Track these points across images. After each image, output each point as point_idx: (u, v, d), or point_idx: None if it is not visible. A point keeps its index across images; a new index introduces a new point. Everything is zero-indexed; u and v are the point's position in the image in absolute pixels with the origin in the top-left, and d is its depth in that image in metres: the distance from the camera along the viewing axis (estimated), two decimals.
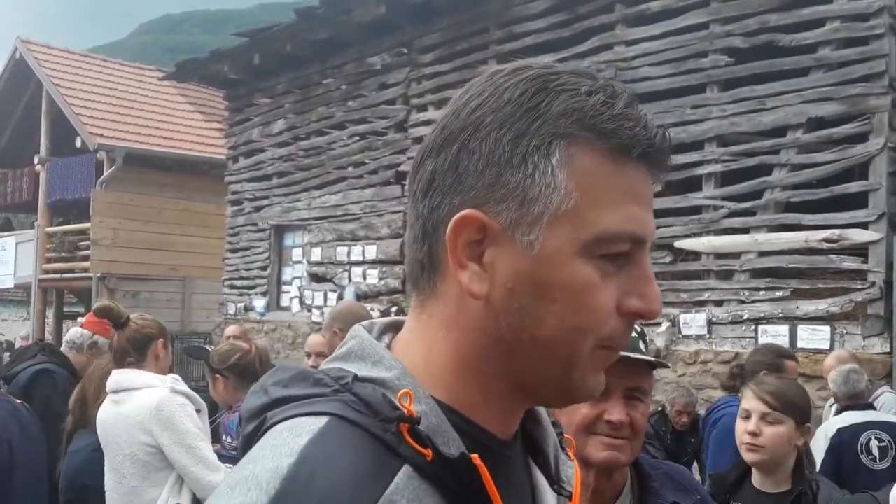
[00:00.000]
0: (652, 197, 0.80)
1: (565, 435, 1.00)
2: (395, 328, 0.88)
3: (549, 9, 7.96)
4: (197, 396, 3.62)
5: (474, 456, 0.74)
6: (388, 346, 0.84)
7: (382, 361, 0.80)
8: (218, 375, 4.11)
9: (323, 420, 0.74)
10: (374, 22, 9.30)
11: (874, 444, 4.53)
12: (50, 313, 18.33)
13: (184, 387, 3.57)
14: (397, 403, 0.74)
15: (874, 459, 4.50)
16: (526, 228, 0.75)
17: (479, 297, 0.76)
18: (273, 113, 11.47)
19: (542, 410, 0.93)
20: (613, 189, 0.76)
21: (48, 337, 17.78)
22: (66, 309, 18.76)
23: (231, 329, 7.46)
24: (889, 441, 4.50)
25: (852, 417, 4.66)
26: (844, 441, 4.57)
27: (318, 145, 10.67)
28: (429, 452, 0.73)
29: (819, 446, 4.72)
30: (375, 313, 9.45)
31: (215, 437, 4.03)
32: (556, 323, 0.76)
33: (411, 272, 0.84)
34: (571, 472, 0.94)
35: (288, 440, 0.72)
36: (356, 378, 0.77)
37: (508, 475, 0.83)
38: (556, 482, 0.91)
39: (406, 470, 0.73)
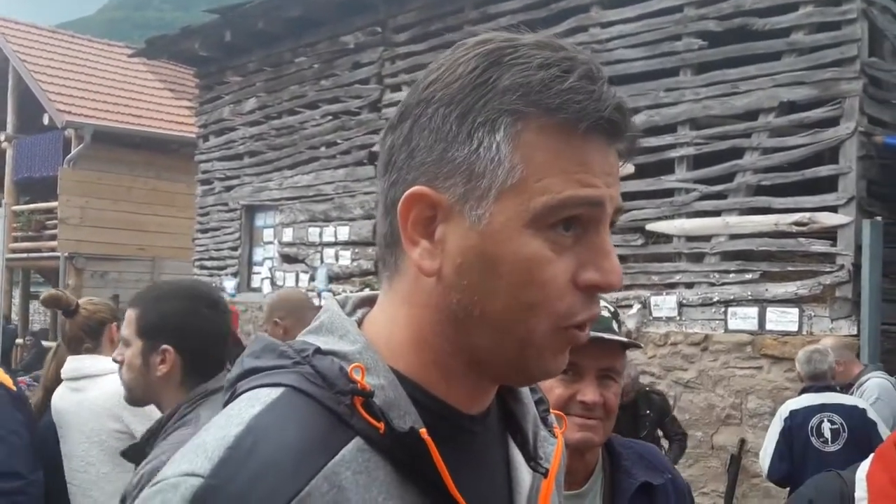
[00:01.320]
0: (613, 167, 0.78)
1: (554, 411, 0.99)
2: (370, 303, 0.88)
3: None
4: None
5: (422, 431, 0.74)
6: (360, 321, 0.84)
7: (347, 335, 0.80)
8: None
9: (278, 391, 0.75)
10: (348, 0, 9.21)
11: (826, 426, 4.59)
12: (17, 293, 18.09)
13: None
14: (351, 377, 0.75)
15: (825, 442, 4.57)
16: (474, 203, 0.75)
17: (429, 273, 0.76)
18: (244, 91, 11.34)
19: (523, 388, 0.93)
20: (563, 161, 0.75)
21: (14, 318, 17.56)
22: (32, 289, 18.51)
23: None
24: (841, 423, 4.56)
25: (807, 400, 4.73)
26: (796, 423, 4.65)
27: (290, 125, 10.58)
28: (381, 425, 0.74)
29: (774, 428, 4.79)
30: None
31: None
32: (505, 299, 0.75)
33: (379, 248, 0.84)
34: (551, 449, 0.93)
35: (242, 410, 0.74)
36: (318, 351, 0.78)
37: (472, 450, 0.83)
38: (532, 458, 0.90)
39: (357, 442, 0.74)
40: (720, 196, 6.65)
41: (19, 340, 14.31)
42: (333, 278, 9.66)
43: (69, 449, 3.20)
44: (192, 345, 2.12)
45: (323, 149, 10.11)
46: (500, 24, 8.13)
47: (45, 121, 14.97)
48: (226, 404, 0.79)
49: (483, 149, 0.74)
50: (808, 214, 6.11)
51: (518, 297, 0.74)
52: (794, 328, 6.06)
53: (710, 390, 6.39)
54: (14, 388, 3.58)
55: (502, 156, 0.74)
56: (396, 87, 9.24)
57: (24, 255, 15.67)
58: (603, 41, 7.38)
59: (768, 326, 6.18)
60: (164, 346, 2.09)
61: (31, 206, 16.17)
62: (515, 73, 0.75)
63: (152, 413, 3.24)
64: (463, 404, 0.81)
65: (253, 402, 0.74)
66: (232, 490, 0.68)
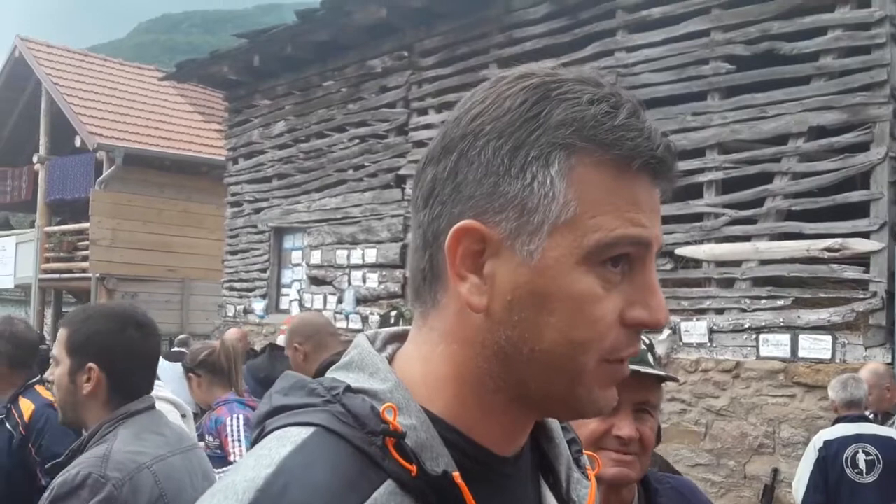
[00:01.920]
0: (657, 205, 0.79)
1: (587, 452, 0.98)
2: (401, 338, 0.87)
3: (550, 14, 7.94)
4: (181, 402, 3.63)
5: (455, 475, 0.73)
6: (391, 358, 0.84)
7: (378, 373, 0.79)
8: (191, 375, 4.18)
9: (308, 431, 0.74)
10: (375, 25, 9.28)
11: (861, 457, 4.52)
12: (49, 313, 18.31)
13: (167, 393, 3.58)
14: (383, 418, 0.74)
15: (860, 473, 4.49)
16: (526, 238, 0.74)
17: (478, 309, 0.76)
18: (273, 114, 11.44)
19: (556, 426, 0.92)
20: (614, 198, 0.75)
21: (46, 337, 17.76)
22: (64, 309, 18.73)
23: (231, 332, 7.49)
24: (876, 455, 4.48)
25: (841, 430, 4.65)
26: (830, 453, 4.57)
27: (318, 147, 10.65)
28: (413, 468, 0.72)
29: (808, 458, 4.72)
30: (374, 317, 9.45)
31: (200, 439, 4.06)
32: (555, 336, 0.74)
33: (413, 282, 0.83)
34: (585, 492, 0.91)
35: (272, 451, 0.73)
36: (348, 389, 0.77)
37: (505, 493, 0.81)
38: (565, 502, 0.89)
39: (388, 485, 0.72)
40: (750, 221, 6.59)
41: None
42: (361, 301, 9.69)
43: None
44: (118, 364, 2.16)
45: (350, 172, 10.16)
46: (525, 49, 8.16)
47: (77, 143, 15.18)
48: (254, 442, 0.79)
49: (537, 183, 0.74)
50: (839, 240, 6.03)
51: (569, 333, 0.74)
52: (828, 356, 5.98)
53: (742, 418, 6.32)
54: None
55: (556, 191, 0.74)
56: (423, 111, 9.27)
57: (56, 275, 15.88)
58: (629, 65, 7.36)
59: (801, 354, 6.11)
60: (90, 365, 2.13)
61: (63, 227, 16.39)
62: (566, 107, 0.75)
63: None
64: (497, 445, 0.80)
65: (283, 442, 0.74)
66: None
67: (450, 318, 0.78)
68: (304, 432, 0.74)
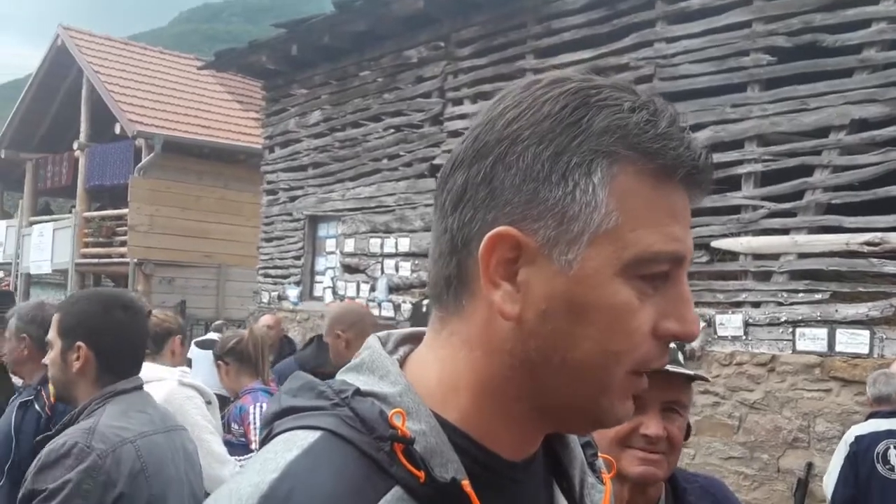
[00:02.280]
0: (689, 212, 0.79)
1: (602, 455, 0.97)
2: (414, 339, 0.86)
3: (588, 4, 7.89)
4: (207, 389, 3.68)
5: (465, 482, 0.72)
6: (403, 360, 0.83)
7: (388, 376, 0.78)
8: (220, 362, 4.23)
9: (315, 435, 0.73)
10: (412, 15, 9.29)
11: (892, 453, 4.47)
12: None
13: (193, 380, 3.64)
14: (392, 423, 0.73)
15: (891, 469, 4.44)
16: (564, 247, 0.73)
17: (511, 317, 0.74)
18: (310, 104, 11.51)
19: None
20: (655, 209, 0.74)
21: None
22: None
23: (265, 319, 7.57)
24: None
25: (873, 425, 4.61)
26: (861, 448, 4.53)
27: (354, 137, 10.70)
28: (422, 474, 0.71)
29: (839, 453, 4.68)
30: (407, 305, 9.49)
31: (226, 426, 4.10)
32: (590, 346, 0.73)
33: (434, 287, 0.81)
34: (599, 496, 0.90)
35: (278, 454, 0.72)
36: (357, 392, 0.76)
37: (515, 499, 0.80)
38: None
39: (396, 491, 0.71)
40: (789, 214, 6.52)
41: None
42: (394, 289, 9.73)
43: None
44: (105, 344, 2.29)
45: (385, 161, 10.20)
46: (563, 39, 8.13)
47: (117, 130, 15.38)
48: (262, 444, 0.78)
49: (579, 191, 0.73)
50: (879, 234, 5.95)
51: (605, 344, 0.73)
52: (865, 350, 5.91)
53: (776, 412, 6.27)
54: None
55: (598, 200, 0.73)
56: (458, 101, 9.28)
57: (95, 260, 16.12)
58: (668, 56, 7.31)
59: (838, 348, 6.04)
60: (79, 344, 2.27)
61: (102, 213, 16.63)
62: (607, 114, 0.74)
63: (188, 419, 3.32)
64: (509, 451, 0.79)
65: (289, 446, 0.73)
66: None
67: (476, 325, 0.77)
68: (311, 436, 0.73)
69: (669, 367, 1.61)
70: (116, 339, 2.31)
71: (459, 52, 9.29)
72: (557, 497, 0.88)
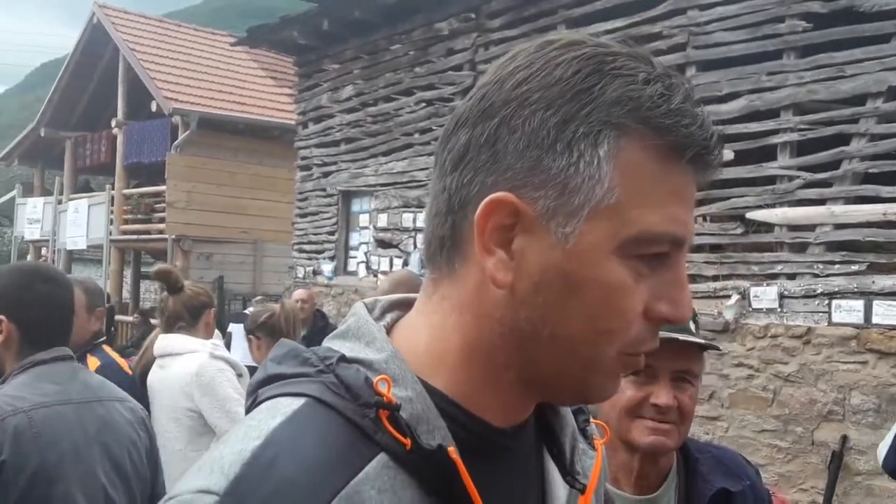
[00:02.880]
0: (694, 193, 0.76)
1: (595, 420, 0.95)
2: (403, 306, 0.85)
3: None
4: (238, 362, 3.72)
5: (451, 449, 0.71)
6: (390, 327, 0.81)
7: (374, 343, 0.77)
8: (251, 337, 4.28)
9: (299, 402, 0.72)
10: None
11: None
12: (128, 273, 18.91)
13: (224, 352, 3.68)
14: (377, 390, 0.72)
15: None
16: (563, 219, 0.71)
17: (502, 285, 0.73)
18: (342, 79, 11.51)
19: None
20: (659, 188, 0.72)
21: (126, 296, 18.38)
22: (143, 269, 19.32)
23: (298, 293, 7.64)
24: None
25: None
26: None
27: (386, 111, 10.69)
28: (408, 441, 0.70)
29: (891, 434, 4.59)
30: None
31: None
32: (581, 323, 0.72)
33: (428, 247, 0.79)
34: (590, 462, 0.89)
35: (261, 422, 0.71)
36: (342, 358, 0.75)
37: (505, 466, 0.79)
38: (568, 473, 0.86)
39: (381, 458, 0.70)
40: (825, 184, 6.40)
41: (120, 317, 14.83)
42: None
43: (155, 424, 3.39)
44: (26, 316, 2.30)
45: (417, 135, 10.18)
46: (595, 8, 8.02)
47: (153, 108, 15.51)
48: (248, 411, 0.77)
49: (583, 163, 0.71)
50: None
51: (595, 322, 0.72)
52: None
53: (811, 385, 6.19)
54: (131, 373, 3.81)
55: (602, 173, 0.71)
56: None
57: (135, 236, 16.35)
58: (701, 24, 7.17)
59: (874, 320, 5.94)
60: (0, 317, 2.28)
61: (140, 189, 16.84)
62: (620, 84, 0.71)
63: (219, 392, 3.35)
64: (498, 418, 0.78)
65: (273, 413, 0.72)
66: None
67: (467, 290, 0.76)
68: (294, 403, 0.72)
69: (680, 336, 1.59)
70: (38, 312, 2.31)
71: (490, 23, 9.21)
72: (547, 463, 0.87)
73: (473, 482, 0.72)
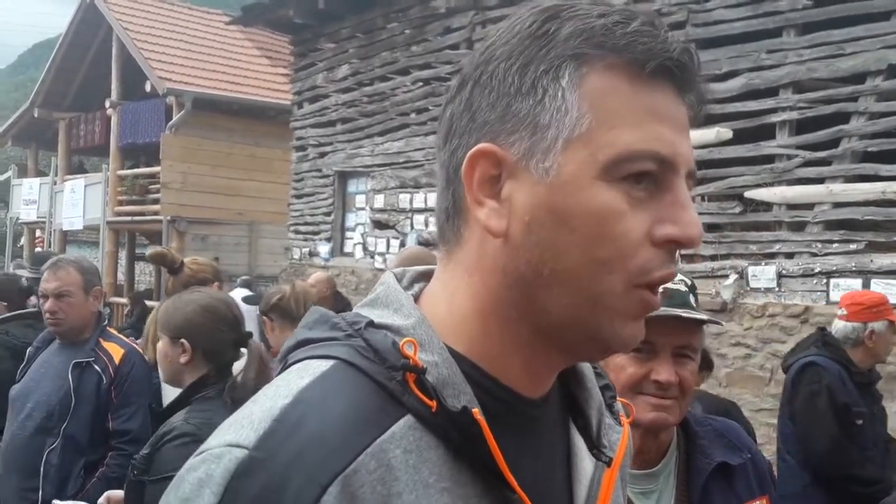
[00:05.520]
0: (684, 120, 0.75)
1: (621, 399, 0.95)
2: (428, 277, 0.85)
3: None
4: None
5: (475, 410, 0.71)
6: (417, 296, 0.83)
7: (402, 309, 0.78)
8: (265, 318, 4.27)
9: (328, 363, 0.74)
10: None
11: None
12: (123, 254, 18.87)
13: None
14: (403, 353, 0.73)
15: None
16: (541, 156, 0.72)
17: (497, 233, 0.74)
18: (337, 58, 11.44)
19: (588, 371, 0.89)
20: (632, 108, 0.72)
21: (121, 277, 18.35)
22: (138, 251, 19.27)
23: (316, 275, 7.58)
24: None
25: None
26: None
27: (382, 91, 10.63)
28: (433, 403, 0.71)
29: None
30: (437, 259, 9.46)
31: None
32: (577, 255, 0.72)
33: (438, 222, 0.82)
34: (616, 437, 0.90)
35: (290, 382, 0.73)
36: (370, 324, 0.77)
37: (530, 435, 0.80)
38: (595, 446, 0.86)
39: (407, 420, 0.71)
40: (824, 162, 6.38)
41: (115, 299, 14.79)
42: (423, 244, 9.73)
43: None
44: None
45: (413, 115, 10.13)
46: None
47: (147, 88, 15.39)
48: (278, 374, 0.78)
49: (548, 98, 0.72)
50: None
51: (590, 251, 0.71)
52: None
53: None
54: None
55: (569, 104, 0.71)
56: None
57: (129, 218, 16.29)
58: (701, 1, 7.12)
59: None
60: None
61: (135, 170, 16.76)
62: (575, 22, 0.72)
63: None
64: (523, 386, 0.78)
65: (302, 374, 0.73)
66: (276, 463, 0.66)
67: (472, 250, 0.77)
68: (323, 365, 0.74)
69: (681, 313, 1.59)
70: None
71: (487, 1, 9.14)
72: (573, 435, 0.87)
73: (499, 448, 0.72)
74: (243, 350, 2.71)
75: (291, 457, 0.66)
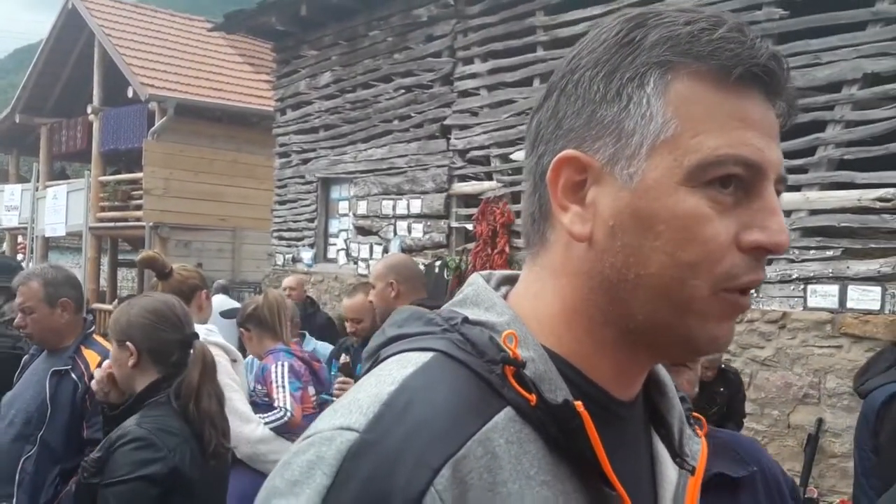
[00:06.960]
0: (773, 126, 0.75)
1: (695, 413, 0.96)
2: (512, 281, 0.87)
3: None
4: (232, 347, 3.70)
5: (578, 403, 0.72)
6: (504, 297, 0.84)
7: (494, 307, 0.79)
8: (243, 329, 4.29)
9: (428, 355, 0.75)
10: None
11: None
12: (105, 261, 18.75)
13: (218, 338, 3.65)
14: (503, 346, 0.74)
15: None
16: (625, 162, 0.73)
17: (581, 238, 0.75)
18: (320, 65, 11.45)
19: (668, 381, 0.91)
20: (717, 114, 0.72)
21: (103, 284, 18.24)
22: (120, 257, 19.18)
23: (288, 280, 7.63)
24: None
25: None
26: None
27: (364, 98, 10.66)
28: (533, 397, 0.72)
29: None
30: (420, 268, 9.50)
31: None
32: (662, 259, 0.72)
33: (524, 227, 0.84)
34: (697, 447, 0.91)
35: (392, 371, 0.74)
36: (466, 320, 0.78)
37: (621, 436, 0.80)
38: (678, 455, 0.88)
39: (508, 412, 0.72)
40: (801, 170, 6.46)
41: (98, 305, 14.70)
42: (406, 251, 9.74)
43: None
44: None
45: (396, 122, 10.16)
46: None
47: (130, 94, 15.33)
48: (369, 371, 0.79)
49: (633, 105, 0.73)
50: (892, 190, 5.90)
51: (676, 256, 0.72)
52: (877, 307, 5.89)
53: (787, 369, 6.28)
54: None
55: (654, 111, 0.72)
56: (469, 60, 9.19)
57: (112, 224, 16.19)
58: None
59: (849, 305, 6.02)
60: None
61: (117, 176, 16.67)
62: (660, 30, 0.73)
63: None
64: (612, 386, 0.79)
65: (404, 364, 0.74)
66: (387, 446, 0.67)
67: (557, 254, 0.78)
68: (424, 356, 0.75)
69: None
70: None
71: (469, 9, 9.19)
72: (656, 442, 0.89)
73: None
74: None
75: (402, 440, 0.67)
